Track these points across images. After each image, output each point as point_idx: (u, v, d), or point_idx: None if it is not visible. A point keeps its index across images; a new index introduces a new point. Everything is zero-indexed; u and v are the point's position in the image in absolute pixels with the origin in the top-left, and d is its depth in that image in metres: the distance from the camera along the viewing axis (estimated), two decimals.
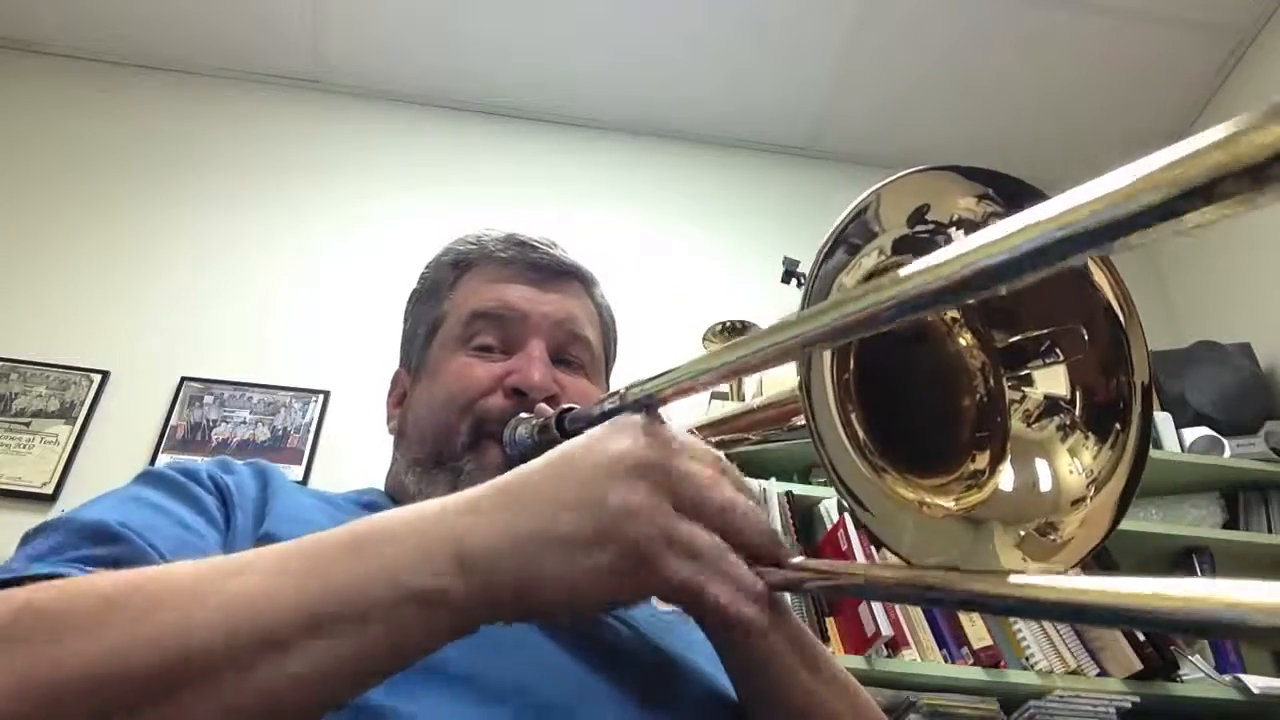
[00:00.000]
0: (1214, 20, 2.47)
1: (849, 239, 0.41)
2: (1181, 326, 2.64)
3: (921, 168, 0.43)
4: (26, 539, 0.53)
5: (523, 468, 0.44)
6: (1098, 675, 1.72)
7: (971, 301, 0.45)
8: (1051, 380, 0.44)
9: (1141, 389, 0.41)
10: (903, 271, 0.27)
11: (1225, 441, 2.15)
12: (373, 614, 0.39)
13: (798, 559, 0.46)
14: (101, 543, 0.50)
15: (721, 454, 0.49)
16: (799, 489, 1.89)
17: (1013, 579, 0.31)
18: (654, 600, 0.53)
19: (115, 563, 0.48)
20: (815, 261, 0.41)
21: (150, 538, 0.51)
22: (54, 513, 2.03)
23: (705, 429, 0.69)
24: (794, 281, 2.13)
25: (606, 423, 0.45)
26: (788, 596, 1.72)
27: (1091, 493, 0.41)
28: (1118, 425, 0.42)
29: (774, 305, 2.31)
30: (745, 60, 2.66)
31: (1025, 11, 2.47)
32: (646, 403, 0.46)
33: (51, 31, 2.62)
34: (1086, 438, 0.42)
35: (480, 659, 0.52)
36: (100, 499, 0.56)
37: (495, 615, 0.42)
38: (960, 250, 0.25)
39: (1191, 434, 2.16)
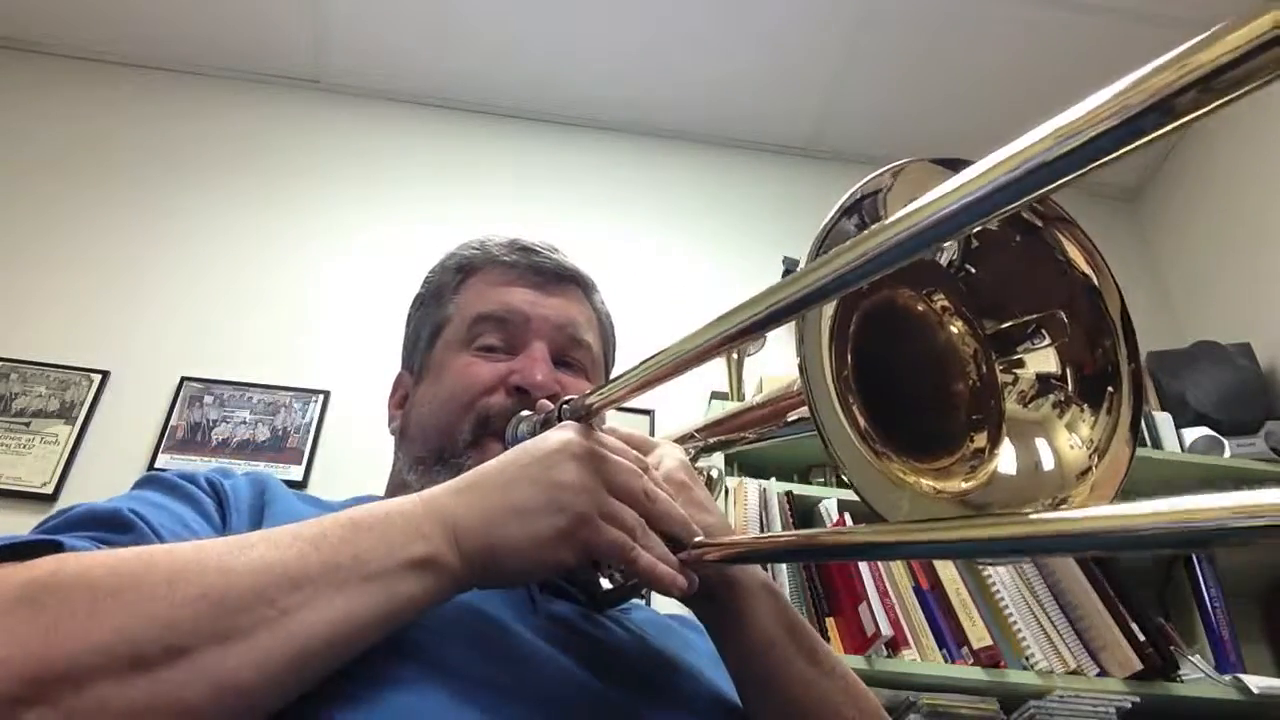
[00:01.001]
0: (1213, 21, 2.47)
1: (862, 210, 0.42)
2: (1181, 326, 2.64)
3: (927, 158, 0.44)
4: (40, 526, 0.54)
5: (489, 461, 0.55)
6: (1098, 675, 1.72)
7: (951, 243, 0.48)
8: (1042, 360, 0.45)
9: (1123, 337, 0.42)
10: (890, 219, 0.28)
11: (1225, 441, 2.15)
12: (375, 578, 0.46)
13: (699, 538, 0.58)
14: (114, 529, 0.51)
15: (650, 458, 0.61)
16: (799, 489, 1.89)
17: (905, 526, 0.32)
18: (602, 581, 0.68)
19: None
20: (830, 220, 0.42)
21: (159, 531, 0.53)
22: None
23: (705, 430, 0.69)
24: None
25: (553, 427, 0.58)
26: (786, 592, 1.71)
27: (1095, 461, 0.42)
28: (1110, 389, 0.43)
29: None
30: (745, 60, 2.66)
31: (1025, 11, 2.47)
32: (583, 412, 0.59)
33: (51, 31, 2.62)
34: (1082, 410, 0.43)
35: (483, 662, 0.54)
36: (108, 500, 0.57)
37: (479, 575, 0.50)
38: (947, 189, 0.26)
39: (1191, 434, 2.16)
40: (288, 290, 2.39)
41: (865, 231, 0.30)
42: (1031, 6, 2.46)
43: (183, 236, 2.43)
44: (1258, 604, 2.10)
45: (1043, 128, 0.24)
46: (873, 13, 2.50)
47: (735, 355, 2.10)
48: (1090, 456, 0.42)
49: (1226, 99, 0.21)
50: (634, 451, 0.58)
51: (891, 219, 0.28)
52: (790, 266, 2.17)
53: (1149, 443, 2.12)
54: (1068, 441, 0.43)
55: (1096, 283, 0.43)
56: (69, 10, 2.57)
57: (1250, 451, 2.16)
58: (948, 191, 0.26)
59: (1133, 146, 0.22)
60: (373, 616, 0.45)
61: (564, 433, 0.55)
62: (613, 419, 0.68)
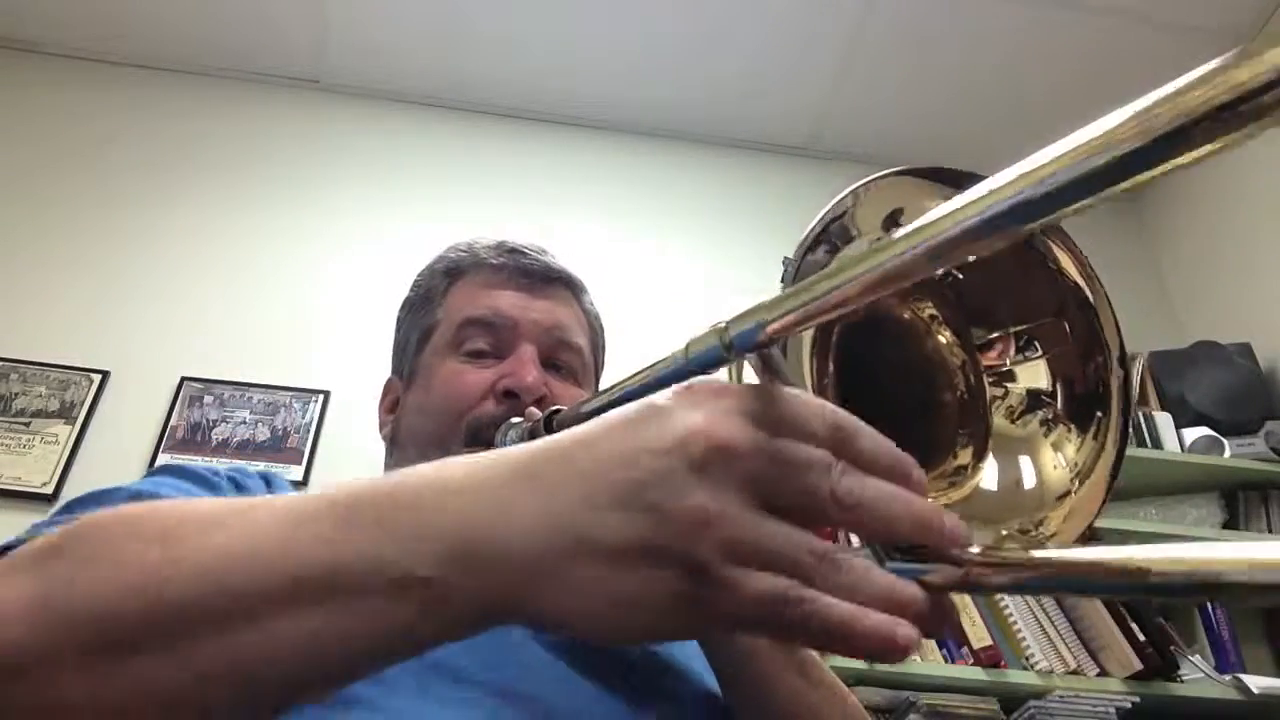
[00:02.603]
0: (1214, 22, 2.47)
1: (830, 238, 0.41)
2: (1181, 326, 2.64)
3: (892, 170, 0.42)
4: (70, 507, 0.53)
5: (564, 436, 0.34)
6: (1098, 675, 1.72)
7: (945, 268, 0.42)
8: (1032, 375, 0.44)
9: (1117, 362, 0.41)
10: (894, 235, 0.27)
11: (1225, 441, 2.15)
12: (347, 598, 0.33)
13: (975, 550, 0.33)
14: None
15: (845, 415, 0.34)
16: None
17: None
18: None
19: None
20: (798, 253, 0.40)
21: None
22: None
23: None
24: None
25: (685, 383, 0.34)
26: None
27: (1076, 485, 0.41)
28: (1099, 413, 0.41)
29: None
30: (745, 60, 2.66)
31: (1025, 12, 2.47)
32: (747, 347, 0.35)
33: (51, 31, 2.62)
34: (1069, 430, 0.42)
35: (463, 656, 0.52)
36: (134, 483, 0.58)
37: (499, 621, 0.34)
38: (949, 209, 0.25)
39: (1191, 434, 2.16)
40: (288, 290, 2.39)
41: (872, 248, 0.29)
42: (1031, 7, 2.46)
43: (183, 236, 2.43)
44: None
45: (1058, 147, 0.23)
46: (872, 13, 2.50)
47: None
48: (1072, 480, 0.41)
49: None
50: (827, 411, 0.33)
51: (899, 234, 0.27)
52: (790, 267, 2.16)
53: (1149, 443, 2.13)
54: (1052, 461, 0.42)
55: (1089, 294, 0.42)
56: (69, 10, 2.57)
57: (1250, 451, 2.16)
58: (953, 210, 0.25)
59: (1154, 171, 0.21)
60: (340, 647, 0.33)
61: (692, 411, 0.32)
62: None
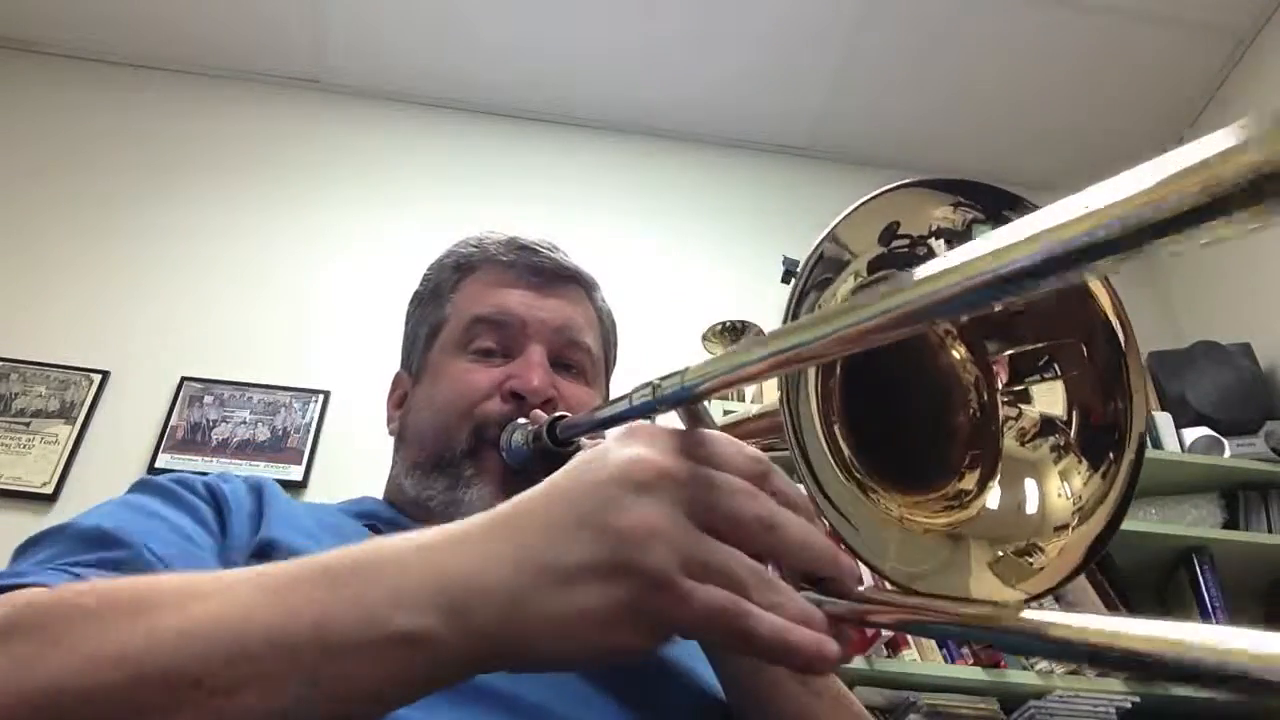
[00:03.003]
0: (1213, 21, 2.47)
1: (817, 280, 0.40)
2: (1181, 326, 2.64)
3: (875, 193, 0.41)
4: (24, 549, 0.53)
5: (526, 492, 0.38)
6: (1098, 675, 1.72)
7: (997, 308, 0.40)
8: (1049, 398, 0.42)
9: (1137, 433, 0.40)
10: (918, 274, 0.26)
11: (1225, 441, 2.15)
12: (337, 657, 0.33)
13: (866, 587, 0.38)
14: (100, 548, 0.50)
15: (764, 456, 0.39)
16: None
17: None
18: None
19: (115, 567, 0.49)
20: (786, 312, 0.39)
21: (149, 543, 0.52)
22: (54, 513, 2.03)
23: None
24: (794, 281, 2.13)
25: (622, 428, 0.39)
26: None
27: (1075, 521, 0.40)
28: (1111, 455, 0.40)
29: (774, 305, 2.31)
30: (745, 60, 2.66)
31: (1025, 11, 2.47)
32: (679, 398, 0.40)
33: (51, 31, 2.62)
34: (1080, 461, 0.41)
35: None
36: (98, 507, 0.57)
37: (487, 664, 0.35)
38: (981, 251, 0.23)
39: (1191, 434, 2.16)
40: (288, 290, 2.39)
41: (898, 282, 0.26)
42: (1031, 7, 2.46)
43: (183, 236, 2.43)
44: (1258, 604, 2.10)
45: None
46: (873, 13, 2.50)
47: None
48: (1073, 514, 0.40)
49: None
50: (747, 450, 0.39)
51: (924, 273, 0.26)
52: (790, 267, 2.17)
53: (1149, 443, 2.12)
54: (1057, 489, 0.41)
55: (1121, 336, 0.40)
56: (69, 10, 2.57)
57: (1250, 451, 2.16)
58: (975, 258, 0.23)
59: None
60: (330, 709, 0.34)
61: (633, 443, 0.37)
62: None
